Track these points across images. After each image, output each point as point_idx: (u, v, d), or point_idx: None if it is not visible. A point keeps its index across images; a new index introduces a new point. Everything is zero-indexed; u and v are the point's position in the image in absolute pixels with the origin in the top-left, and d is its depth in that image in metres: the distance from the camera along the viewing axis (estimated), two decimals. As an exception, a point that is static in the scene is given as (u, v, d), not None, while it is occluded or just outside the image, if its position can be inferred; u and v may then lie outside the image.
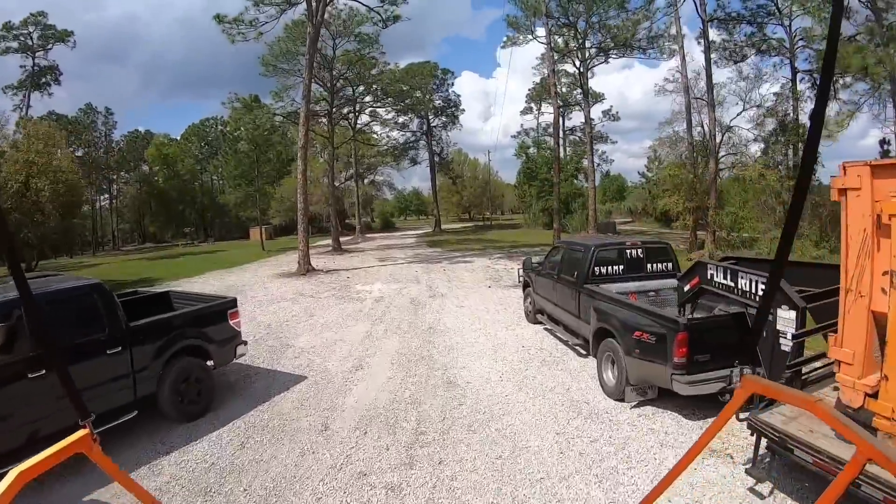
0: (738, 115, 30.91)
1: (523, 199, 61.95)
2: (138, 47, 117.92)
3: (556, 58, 36.69)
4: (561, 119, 44.14)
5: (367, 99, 49.98)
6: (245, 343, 8.81)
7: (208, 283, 22.23)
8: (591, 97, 47.91)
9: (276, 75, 40.03)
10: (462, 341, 11.24)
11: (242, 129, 45.68)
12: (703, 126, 30.58)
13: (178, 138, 76.86)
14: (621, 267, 9.86)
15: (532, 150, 59.90)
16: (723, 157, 29.91)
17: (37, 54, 53.44)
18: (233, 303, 8.58)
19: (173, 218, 73.42)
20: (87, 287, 6.71)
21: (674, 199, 28.27)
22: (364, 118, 53.28)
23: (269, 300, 17.80)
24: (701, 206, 27.84)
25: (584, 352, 9.62)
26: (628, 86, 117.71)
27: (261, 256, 35.51)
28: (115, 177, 72.05)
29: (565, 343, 10.40)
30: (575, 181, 52.45)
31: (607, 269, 9.76)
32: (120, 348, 6.65)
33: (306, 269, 24.97)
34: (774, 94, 31.39)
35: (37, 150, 30.35)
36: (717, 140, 29.20)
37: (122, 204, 74.50)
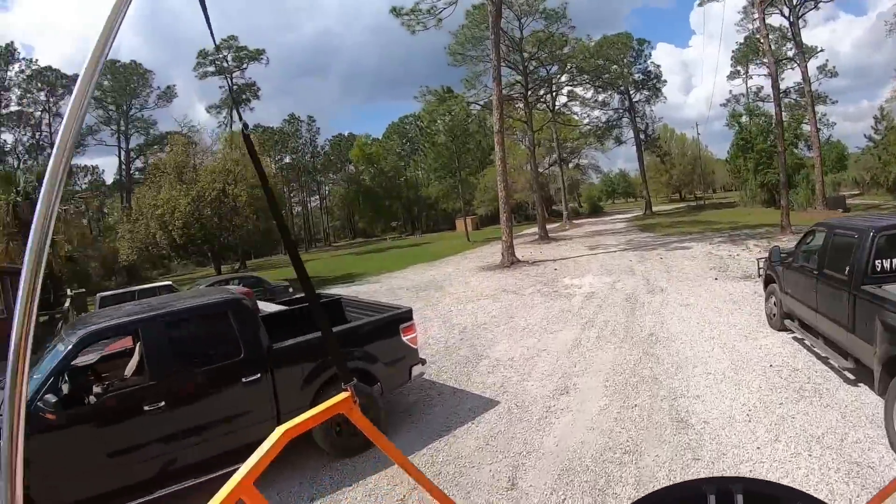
0: None
1: (737, 174, 54.03)
2: (336, 58, 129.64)
3: (763, 7, 31.15)
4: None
5: (563, 78, 48.32)
6: (423, 362, 7.38)
7: (407, 279, 21.92)
8: (806, 52, 40.51)
9: (465, 63, 40.01)
10: (692, 356, 8.61)
11: (438, 120, 46.19)
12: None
13: (380, 137, 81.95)
14: None
15: (744, 119, 52.49)
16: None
17: (233, 74, 61.49)
18: (407, 314, 7.14)
19: (381, 213, 78.29)
20: (219, 304, 5.74)
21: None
22: (562, 99, 51.67)
23: (468, 297, 16.74)
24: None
25: (852, 377, 6.68)
26: (836, 40, 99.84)
27: (465, 248, 35.19)
28: (322, 178, 78.60)
29: (825, 360, 7.35)
30: (794, 150, 44.73)
31: (892, 262, 6.54)
32: (259, 375, 5.60)
33: (510, 261, 23.70)
34: None
35: (234, 160, 32.73)
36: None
37: (331, 203, 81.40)
